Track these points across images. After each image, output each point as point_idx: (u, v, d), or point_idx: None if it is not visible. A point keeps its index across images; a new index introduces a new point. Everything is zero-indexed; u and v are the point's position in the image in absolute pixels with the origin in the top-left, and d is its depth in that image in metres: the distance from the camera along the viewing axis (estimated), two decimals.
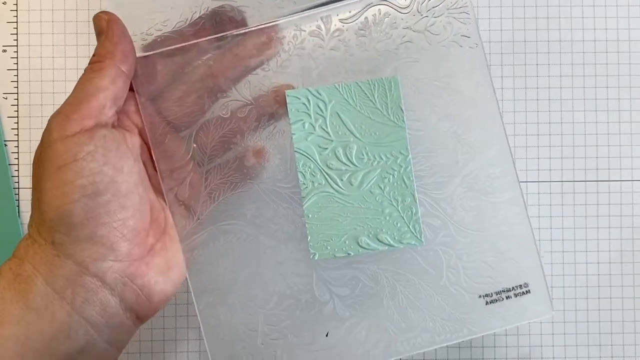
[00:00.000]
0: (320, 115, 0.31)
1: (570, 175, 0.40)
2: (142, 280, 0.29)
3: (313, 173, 0.31)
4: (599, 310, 0.40)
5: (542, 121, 0.40)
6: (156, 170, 0.31)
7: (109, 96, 0.28)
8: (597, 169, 0.40)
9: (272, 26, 0.31)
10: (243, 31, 0.31)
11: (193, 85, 0.31)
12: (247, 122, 0.31)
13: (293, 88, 0.31)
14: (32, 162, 0.29)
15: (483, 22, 0.40)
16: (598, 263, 0.40)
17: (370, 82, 0.31)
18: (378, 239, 0.31)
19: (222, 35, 0.31)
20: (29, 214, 0.29)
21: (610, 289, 0.40)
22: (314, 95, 0.31)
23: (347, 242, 0.31)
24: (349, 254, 0.31)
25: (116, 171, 0.28)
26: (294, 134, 0.31)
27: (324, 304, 0.31)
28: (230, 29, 0.31)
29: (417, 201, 0.31)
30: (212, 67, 0.31)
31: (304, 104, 0.31)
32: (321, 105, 0.31)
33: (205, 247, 0.31)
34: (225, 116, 0.31)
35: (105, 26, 0.29)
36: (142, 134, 0.31)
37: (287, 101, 0.31)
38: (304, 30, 0.31)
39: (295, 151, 0.31)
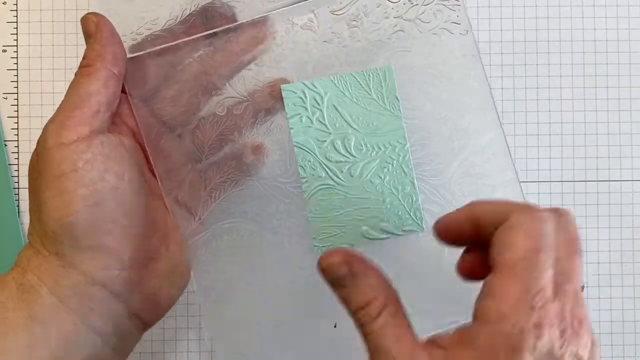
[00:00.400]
0: (317, 108, 0.31)
1: (570, 175, 0.40)
2: (147, 286, 0.29)
3: (313, 166, 0.31)
4: (599, 310, 0.40)
5: (542, 121, 0.40)
6: (153, 173, 0.30)
7: (102, 100, 0.28)
8: (597, 169, 0.40)
9: (264, 20, 0.30)
10: (234, 26, 0.30)
11: (186, 83, 0.30)
12: (243, 118, 0.31)
13: (288, 82, 0.31)
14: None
15: (483, 22, 0.40)
16: (598, 263, 0.40)
17: (365, 73, 0.31)
18: (380, 228, 0.31)
19: (213, 32, 0.30)
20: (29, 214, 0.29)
21: (610, 289, 0.40)
22: (310, 89, 0.31)
23: (349, 233, 0.31)
24: (352, 244, 0.31)
25: (117, 178, 0.27)
26: (291, 128, 0.31)
27: (331, 296, 0.31)
28: (220, 25, 0.30)
29: (417, 188, 0.31)
30: (205, 64, 0.30)
31: (300, 97, 0.31)
32: (317, 98, 0.31)
33: (208, 246, 0.31)
34: (221, 114, 0.31)
35: (94, 28, 0.28)
36: (136, 136, 0.30)
37: (283, 95, 0.30)
38: (296, 24, 0.31)
39: (294, 145, 0.31)
